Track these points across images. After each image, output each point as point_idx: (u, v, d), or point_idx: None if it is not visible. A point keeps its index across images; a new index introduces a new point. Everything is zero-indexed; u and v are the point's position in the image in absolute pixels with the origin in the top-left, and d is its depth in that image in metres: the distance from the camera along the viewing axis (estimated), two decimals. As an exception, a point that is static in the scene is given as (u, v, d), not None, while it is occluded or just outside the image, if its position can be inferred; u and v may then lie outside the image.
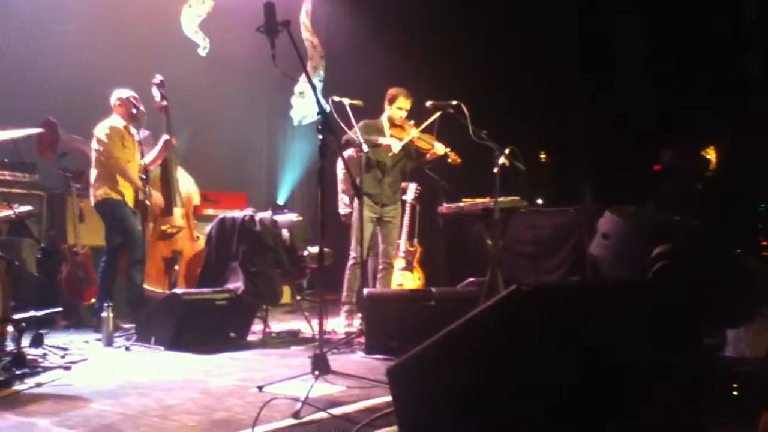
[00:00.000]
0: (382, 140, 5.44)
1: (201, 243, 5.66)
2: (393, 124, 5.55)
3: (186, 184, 5.64)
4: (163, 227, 5.44)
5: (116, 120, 5.33)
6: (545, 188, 7.35)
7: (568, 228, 6.70)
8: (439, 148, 5.47)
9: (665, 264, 2.87)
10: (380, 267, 5.53)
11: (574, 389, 1.92)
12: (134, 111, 5.29)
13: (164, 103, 5.49)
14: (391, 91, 5.57)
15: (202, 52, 7.86)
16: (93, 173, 5.30)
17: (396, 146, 5.41)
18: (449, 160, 5.52)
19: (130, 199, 5.30)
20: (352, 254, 5.46)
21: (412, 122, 5.58)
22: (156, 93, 5.52)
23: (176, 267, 5.36)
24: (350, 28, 8.37)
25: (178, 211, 5.50)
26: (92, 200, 5.30)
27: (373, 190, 5.47)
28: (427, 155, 5.55)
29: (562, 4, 7.78)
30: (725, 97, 6.84)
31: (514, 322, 1.95)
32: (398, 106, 5.52)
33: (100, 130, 5.26)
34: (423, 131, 5.50)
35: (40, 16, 6.18)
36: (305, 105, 8.71)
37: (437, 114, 5.27)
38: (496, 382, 1.97)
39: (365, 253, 5.45)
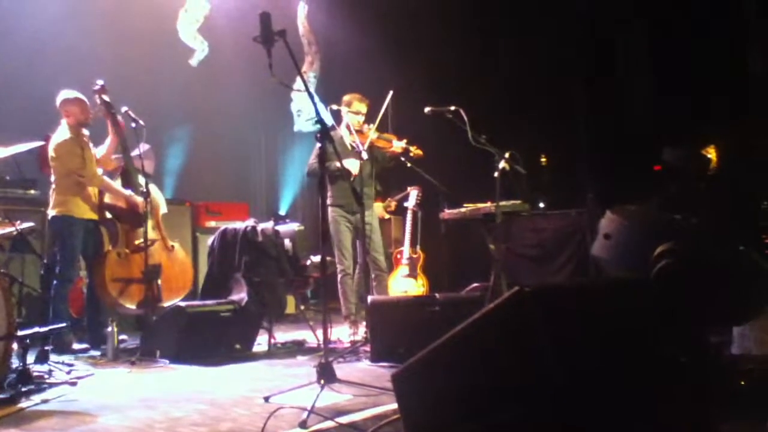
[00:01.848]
0: (345, 163, 5.15)
1: (178, 252, 5.50)
2: (353, 130, 5.41)
3: (152, 193, 5.38)
4: (136, 241, 5.18)
5: (63, 131, 5.10)
6: (546, 191, 7.34)
7: (570, 230, 6.69)
8: (398, 146, 5.40)
9: (668, 262, 2.86)
10: (372, 276, 5.43)
11: (579, 389, 1.91)
12: (83, 115, 5.12)
13: (112, 110, 5.19)
14: (346, 97, 5.48)
15: (199, 57, 7.71)
16: (52, 186, 5.14)
17: (355, 168, 5.24)
18: (411, 155, 5.42)
19: (93, 211, 5.17)
20: (339, 267, 5.38)
21: (370, 125, 5.45)
22: (97, 100, 5.21)
23: (158, 281, 5.07)
24: (348, 32, 8.39)
25: (148, 223, 5.12)
26: (49, 212, 5.16)
27: (344, 200, 5.36)
28: (386, 153, 5.47)
29: (563, 7, 7.80)
30: (726, 96, 6.84)
31: (518, 323, 1.95)
32: (354, 110, 5.42)
33: (53, 145, 5.08)
34: (379, 129, 5.41)
35: (39, 30, 6.20)
36: (304, 120, 8.72)
37: (385, 107, 5.28)
38: (501, 384, 1.96)
39: (351, 262, 5.38)
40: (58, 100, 5.13)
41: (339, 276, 5.39)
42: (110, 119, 5.17)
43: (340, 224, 5.36)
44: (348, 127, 5.42)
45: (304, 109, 8.69)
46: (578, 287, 2.70)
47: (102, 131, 5.37)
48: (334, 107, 5.22)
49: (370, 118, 5.48)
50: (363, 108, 5.46)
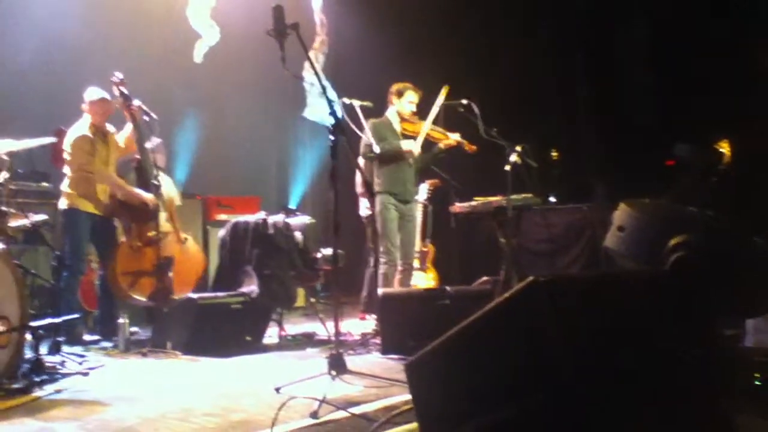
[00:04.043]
0: (403, 144, 5.26)
1: (190, 245, 5.51)
2: (402, 118, 5.41)
3: (166, 186, 5.38)
4: (149, 233, 5.17)
5: (82, 126, 5.14)
6: (557, 185, 7.32)
7: (581, 225, 6.67)
8: (454, 137, 5.35)
9: (682, 255, 2.85)
10: (399, 268, 5.38)
11: (592, 379, 1.91)
12: (100, 114, 5.15)
13: (130, 103, 5.15)
14: (398, 86, 5.42)
15: (210, 43, 7.56)
16: (65, 178, 5.18)
17: (417, 149, 5.26)
18: (465, 149, 5.37)
19: (100, 207, 5.19)
20: (385, 257, 5.25)
21: (417, 116, 5.45)
22: (116, 92, 5.20)
23: (170, 274, 5.06)
24: (358, 27, 8.38)
25: (162, 215, 5.19)
26: (59, 205, 5.20)
27: (397, 189, 5.32)
28: (441, 144, 5.40)
29: (571, 2, 7.77)
30: (738, 90, 6.79)
31: (531, 314, 1.94)
32: (409, 100, 5.38)
33: (67, 139, 5.12)
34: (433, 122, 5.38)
35: (51, 24, 6.20)
36: (317, 110, 8.70)
37: (439, 103, 5.25)
38: (513, 375, 1.96)
39: (398, 254, 5.32)
40: (87, 97, 5.17)
41: (383, 268, 5.24)
42: (128, 112, 5.20)
43: (390, 212, 5.26)
44: (399, 114, 5.39)
45: (315, 102, 8.67)
46: (592, 278, 2.68)
47: (119, 122, 5.39)
48: (346, 100, 5.20)
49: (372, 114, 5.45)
50: (416, 98, 5.41)
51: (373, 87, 6.02)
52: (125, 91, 5.20)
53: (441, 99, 5.32)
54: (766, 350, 3.29)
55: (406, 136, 5.38)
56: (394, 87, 5.43)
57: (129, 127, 5.32)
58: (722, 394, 2.36)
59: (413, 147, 5.25)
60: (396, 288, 5.22)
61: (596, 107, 7.88)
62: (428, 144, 5.43)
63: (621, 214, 3.35)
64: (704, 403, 2.26)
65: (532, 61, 7.72)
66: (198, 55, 7.51)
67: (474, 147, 5.35)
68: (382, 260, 5.24)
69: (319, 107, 8.62)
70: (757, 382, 2.75)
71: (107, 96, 5.19)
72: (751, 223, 5.63)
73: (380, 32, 8.01)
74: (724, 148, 6.49)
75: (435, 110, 5.32)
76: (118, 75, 5.22)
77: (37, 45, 6.17)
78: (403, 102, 5.37)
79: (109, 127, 5.32)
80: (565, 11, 7.78)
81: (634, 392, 2.05)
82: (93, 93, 5.17)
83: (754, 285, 2.98)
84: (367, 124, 5.23)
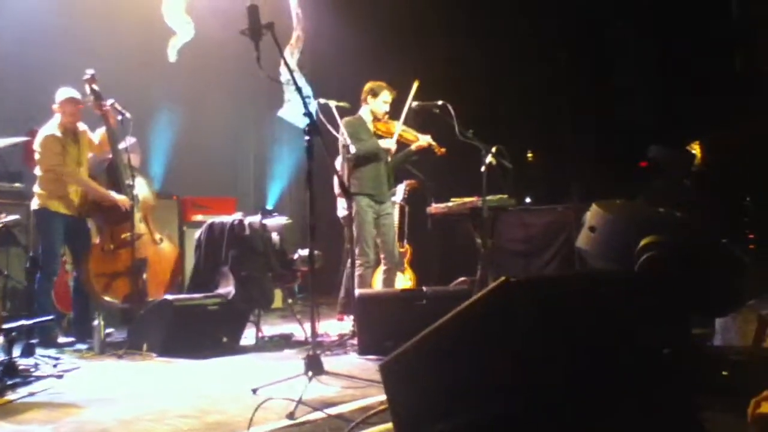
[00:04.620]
0: (381, 142, 5.26)
1: (165, 246, 5.48)
2: (375, 118, 5.38)
3: (140, 187, 5.32)
4: (122, 235, 5.13)
5: (51, 126, 5.08)
6: (533, 187, 7.39)
7: (557, 225, 6.75)
8: (424, 139, 5.35)
9: (652, 255, 2.90)
10: (383, 268, 5.37)
11: (563, 379, 1.94)
12: (69, 115, 5.09)
13: (101, 101, 5.10)
14: (372, 85, 5.37)
15: (184, 39, 7.42)
16: (37, 178, 5.13)
17: (393, 147, 5.26)
18: (435, 151, 5.37)
19: (72, 208, 5.15)
20: (361, 259, 5.19)
21: (392, 120, 5.43)
22: (87, 90, 5.14)
23: (144, 276, 5.03)
24: (336, 27, 8.37)
25: (136, 216, 5.12)
26: (31, 205, 5.16)
27: (375, 190, 5.30)
28: (412, 147, 5.39)
29: (552, 2, 7.84)
30: (711, 93, 6.91)
31: (504, 314, 1.97)
32: (383, 100, 5.34)
33: (37, 139, 5.08)
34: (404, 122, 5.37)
35: (23, 23, 6.14)
36: (293, 110, 8.68)
37: (410, 99, 5.27)
38: (487, 374, 1.98)
39: (374, 255, 5.30)
40: (57, 97, 5.11)
41: (359, 269, 5.17)
42: (99, 109, 5.15)
43: (367, 214, 5.23)
44: (372, 113, 5.37)
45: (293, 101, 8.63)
46: (563, 279, 2.73)
47: (91, 120, 5.34)
48: (322, 101, 5.19)
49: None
50: (391, 98, 5.37)
51: (349, 87, 6.02)
52: (96, 89, 5.16)
53: (412, 94, 5.33)
54: (733, 349, 3.37)
55: (378, 136, 5.37)
56: (369, 86, 5.40)
57: (102, 129, 5.28)
58: (691, 391, 2.41)
59: (391, 145, 5.27)
60: (373, 289, 5.24)
61: (573, 109, 7.96)
62: (399, 145, 5.43)
63: (592, 214, 3.40)
64: (674, 399, 2.31)
65: (509, 62, 7.78)
66: (172, 52, 7.40)
67: (443, 150, 5.36)
68: (358, 262, 5.21)
69: (295, 107, 8.60)
70: (725, 380, 2.81)
71: (77, 95, 5.14)
72: (721, 223, 5.74)
73: (357, 33, 8.02)
74: (696, 150, 6.60)
75: (406, 109, 5.33)
76: (89, 71, 5.18)
77: (9, 44, 6.09)
78: (378, 101, 5.35)
79: (82, 126, 5.26)
80: (544, 11, 7.85)
81: (605, 390, 2.09)
82: (63, 93, 5.12)
83: (723, 285, 3.04)
84: (341, 123, 5.22)
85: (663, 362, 2.43)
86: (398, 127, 5.30)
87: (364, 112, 5.41)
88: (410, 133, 5.39)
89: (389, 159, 5.33)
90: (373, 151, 5.25)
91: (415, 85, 5.34)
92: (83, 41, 6.44)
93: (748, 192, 6.36)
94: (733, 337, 3.42)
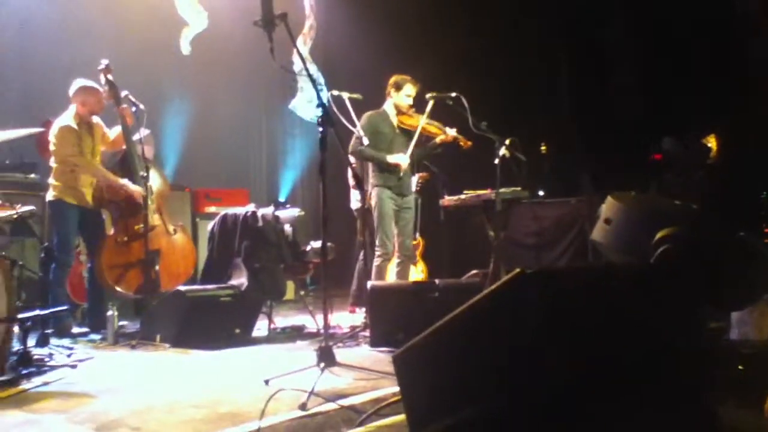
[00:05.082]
0: (390, 159, 5.22)
1: (179, 237, 5.47)
2: (399, 111, 5.36)
3: (154, 178, 5.32)
4: (136, 227, 5.13)
5: (67, 117, 5.11)
6: (546, 179, 7.35)
7: (569, 219, 6.70)
8: (450, 133, 5.30)
9: (668, 248, 2.87)
10: (397, 261, 5.35)
11: (578, 371, 1.92)
12: (87, 106, 5.11)
13: (116, 91, 5.12)
14: (397, 79, 5.36)
15: (197, 30, 7.42)
16: (52, 170, 5.15)
17: (404, 163, 5.24)
18: (461, 144, 5.32)
19: (88, 198, 5.18)
20: (380, 250, 5.22)
21: (413, 109, 5.41)
22: (102, 80, 5.16)
23: (156, 267, 5.04)
24: (349, 19, 8.35)
25: (150, 208, 5.11)
26: (46, 196, 5.17)
27: (393, 182, 5.28)
28: (437, 140, 5.35)
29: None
30: (726, 85, 6.84)
31: (518, 305, 1.95)
32: (406, 94, 5.31)
33: (52, 130, 5.09)
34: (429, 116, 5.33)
35: (35, 13, 6.15)
36: (305, 101, 8.67)
37: (432, 100, 5.23)
38: (501, 365, 1.97)
39: (393, 247, 5.28)
40: (73, 88, 5.13)
41: (377, 260, 5.21)
42: (115, 100, 5.17)
43: (385, 204, 5.22)
44: (396, 107, 5.35)
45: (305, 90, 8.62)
46: (578, 271, 2.71)
47: (107, 118, 5.36)
48: (335, 92, 5.17)
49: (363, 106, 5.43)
50: (414, 91, 5.34)
51: (363, 79, 6.01)
52: (111, 79, 5.17)
53: (432, 101, 5.29)
54: (749, 343, 3.33)
55: (402, 130, 5.37)
56: (393, 79, 5.38)
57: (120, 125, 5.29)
58: (706, 386, 2.39)
59: (401, 161, 5.21)
60: (386, 281, 5.23)
61: (586, 102, 7.92)
62: (423, 138, 5.41)
63: (608, 207, 3.37)
64: (689, 394, 2.29)
65: (523, 56, 7.74)
66: (185, 42, 7.41)
67: (469, 143, 5.31)
68: (377, 252, 5.23)
69: (307, 97, 8.60)
70: (740, 374, 2.78)
71: (95, 86, 5.16)
72: (736, 216, 5.69)
73: (371, 25, 8.00)
74: (711, 142, 6.53)
75: (429, 109, 5.29)
76: (104, 61, 5.19)
77: (19, 34, 6.11)
78: (401, 95, 5.32)
79: (97, 119, 5.28)
80: (555, 8, 7.80)
81: (620, 384, 2.08)
82: (79, 83, 5.15)
83: (739, 278, 3.01)
84: (363, 117, 5.21)
85: (678, 356, 2.41)
86: (422, 120, 5.28)
87: (388, 106, 5.40)
88: (435, 126, 5.35)
89: (402, 171, 5.27)
90: (378, 161, 5.24)
91: (432, 100, 5.26)
92: (95, 33, 6.44)
93: (764, 186, 6.30)
94: (749, 331, 3.38)
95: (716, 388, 2.52)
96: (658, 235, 2.93)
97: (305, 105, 8.63)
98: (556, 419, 1.91)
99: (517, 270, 1.95)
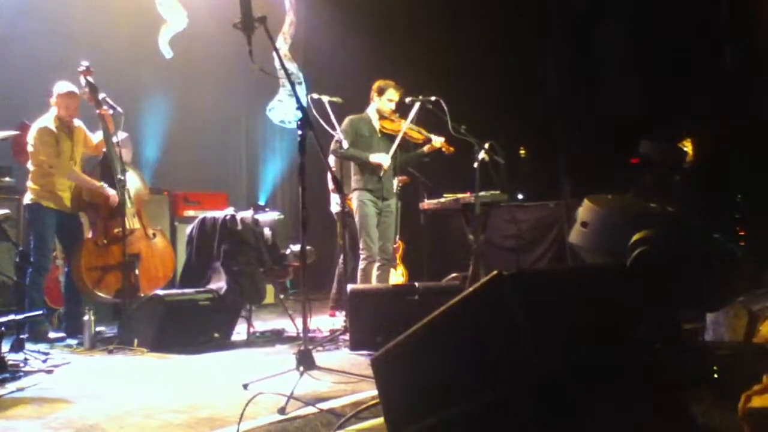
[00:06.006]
0: (372, 158, 5.21)
1: (158, 240, 5.45)
2: (382, 116, 5.36)
3: (133, 181, 5.31)
4: (115, 230, 5.10)
5: (47, 119, 5.06)
6: (525, 183, 7.41)
7: (548, 221, 6.77)
8: (438, 141, 5.29)
9: (643, 250, 2.90)
10: (378, 264, 5.33)
11: (555, 372, 1.94)
12: (65, 109, 5.06)
13: (96, 93, 5.09)
14: (380, 83, 5.36)
15: (176, 29, 7.22)
16: (30, 173, 5.11)
17: (386, 163, 5.22)
18: (444, 150, 5.31)
19: (66, 202, 5.13)
20: (364, 253, 5.22)
21: (397, 114, 5.43)
22: (82, 81, 5.11)
23: (136, 271, 5.03)
24: (329, 23, 8.35)
25: (128, 211, 5.10)
26: (24, 199, 5.13)
27: (373, 185, 5.27)
28: (425, 149, 5.37)
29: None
30: (704, 92, 6.94)
31: (495, 307, 1.96)
32: (388, 98, 5.32)
33: (31, 131, 5.05)
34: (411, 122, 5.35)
35: (14, 15, 6.08)
36: (285, 108, 8.64)
37: (416, 105, 5.24)
38: (479, 367, 1.98)
39: (377, 249, 5.27)
40: (56, 90, 5.07)
41: (362, 263, 5.21)
42: (95, 102, 5.12)
43: (367, 207, 5.23)
44: (378, 111, 5.34)
45: (283, 105, 8.58)
46: (555, 273, 2.72)
47: (86, 115, 5.31)
48: (315, 96, 5.17)
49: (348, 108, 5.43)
50: (397, 96, 5.34)
51: (343, 83, 6.00)
52: (91, 80, 5.13)
53: (417, 106, 5.29)
54: (724, 344, 3.38)
55: (384, 134, 5.36)
56: (376, 84, 5.39)
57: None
58: (682, 386, 2.42)
59: (383, 160, 5.21)
60: (365, 284, 5.22)
61: (565, 106, 7.98)
62: (405, 143, 5.41)
63: (585, 210, 3.41)
64: (665, 394, 2.31)
65: (502, 59, 7.78)
66: (163, 42, 7.34)
67: (452, 149, 5.32)
68: (361, 255, 5.23)
69: (285, 108, 8.56)
70: (715, 375, 2.81)
71: (76, 90, 5.12)
72: (712, 219, 5.76)
73: (351, 29, 8.00)
74: (688, 146, 6.61)
75: (412, 114, 5.30)
76: (84, 63, 5.14)
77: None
78: (384, 99, 5.32)
79: (77, 122, 5.23)
80: (540, 7, 7.86)
81: (597, 384, 2.09)
82: (62, 86, 5.09)
83: (714, 280, 3.05)
84: (345, 120, 5.21)
85: (654, 356, 2.44)
86: (404, 125, 5.28)
87: (371, 110, 5.40)
88: (417, 132, 5.35)
89: (382, 172, 5.26)
90: (360, 160, 5.24)
91: (417, 105, 5.27)
92: (73, 33, 6.38)
93: (739, 189, 6.40)
94: (724, 333, 3.43)
95: (692, 388, 2.55)
96: (634, 238, 2.96)
97: (282, 115, 8.59)
98: (534, 419, 1.93)
99: (495, 272, 1.96)
